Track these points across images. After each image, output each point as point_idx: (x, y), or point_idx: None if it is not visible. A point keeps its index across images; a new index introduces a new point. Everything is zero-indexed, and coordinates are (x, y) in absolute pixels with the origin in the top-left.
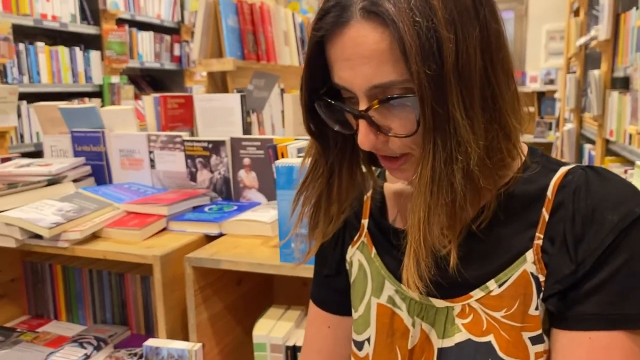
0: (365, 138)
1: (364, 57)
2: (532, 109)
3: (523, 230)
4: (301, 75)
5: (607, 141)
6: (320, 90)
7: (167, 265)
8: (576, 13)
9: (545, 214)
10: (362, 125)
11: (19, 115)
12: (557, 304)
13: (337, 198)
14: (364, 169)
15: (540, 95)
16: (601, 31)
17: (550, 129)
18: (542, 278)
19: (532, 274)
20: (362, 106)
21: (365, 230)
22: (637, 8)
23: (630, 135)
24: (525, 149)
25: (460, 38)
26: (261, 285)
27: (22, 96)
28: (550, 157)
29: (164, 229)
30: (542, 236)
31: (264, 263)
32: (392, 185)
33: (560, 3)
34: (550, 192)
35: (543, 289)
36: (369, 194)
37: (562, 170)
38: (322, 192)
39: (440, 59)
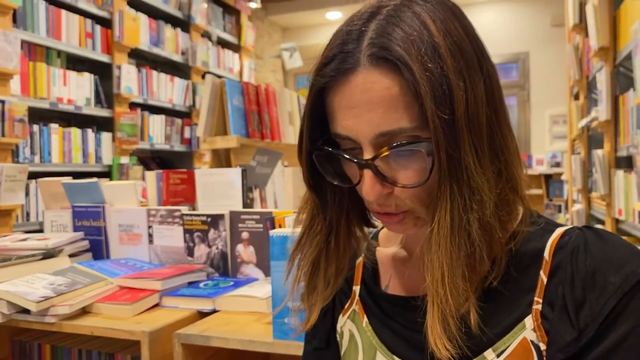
0: (371, 189)
1: (371, 104)
2: (539, 191)
3: (521, 295)
4: (300, 126)
5: (617, 220)
6: (317, 142)
7: (156, 342)
8: (576, 97)
9: (543, 277)
10: (368, 175)
11: (27, 194)
12: None
13: (335, 257)
14: (358, 232)
15: (548, 177)
16: (601, 112)
17: (559, 211)
18: (543, 347)
19: (532, 342)
20: (367, 155)
21: (357, 297)
22: (634, 89)
23: None
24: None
25: (468, 87)
26: None
27: (32, 175)
28: (548, 218)
29: (156, 305)
30: (541, 300)
31: (256, 340)
32: (386, 249)
33: (561, 88)
34: (547, 254)
35: (545, 358)
36: (361, 258)
37: (559, 231)
38: (321, 251)
39: (452, 106)
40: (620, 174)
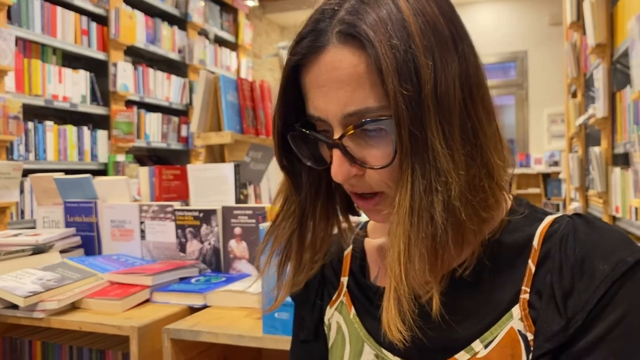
0: (338, 168)
1: (339, 82)
2: (537, 190)
3: (508, 284)
4: (274, 105)
5: (614, 218)
6: (293, 124)
7: (146, 337)
8: (574, 95)
9: (531, 266)
10: (336, 155)
11: (22, 191)
12: None
13: (311, 244)
14: (344, 223)
15: (546, 176)
16: (598, 109)
17: (557, 209)
18: (530, 336)
19: (519, 331)
20: (336, 136)
21: (345, 289)
22: (631, 86)
23: (637, 210)
24: (510, 196)
25: (438, 66)
26: None
27: (27, 172)
28: (537, 206)
29: (147, 300)
30: (528, 290)
31: (246, 335)
32: (374, 240)
33: (559, 87)
34: (536, 242)
35: (532, 348)
36: (349, 250)
37: (548, 219)
38: (294, 232)
39: (418, 83)
40: (617, 171)
